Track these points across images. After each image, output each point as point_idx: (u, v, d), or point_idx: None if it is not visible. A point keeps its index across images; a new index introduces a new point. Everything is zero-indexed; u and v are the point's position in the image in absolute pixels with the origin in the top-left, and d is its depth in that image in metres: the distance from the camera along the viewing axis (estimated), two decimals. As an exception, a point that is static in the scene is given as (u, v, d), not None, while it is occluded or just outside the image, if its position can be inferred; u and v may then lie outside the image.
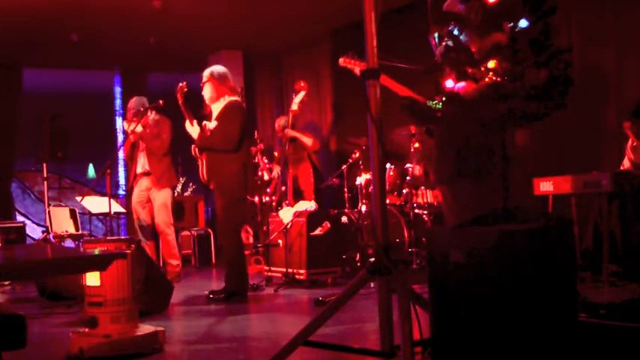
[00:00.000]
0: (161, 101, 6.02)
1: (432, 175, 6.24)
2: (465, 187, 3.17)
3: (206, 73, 5.46)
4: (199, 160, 5.42)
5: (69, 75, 10.19)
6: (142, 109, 6.40)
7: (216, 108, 5.40)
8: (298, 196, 7.20)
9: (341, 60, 5.43)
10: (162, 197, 6.58)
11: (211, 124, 5.34)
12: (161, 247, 6.74)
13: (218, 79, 5.38)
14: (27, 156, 9.25)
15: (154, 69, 10.16)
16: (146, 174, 6.59)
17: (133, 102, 6.65)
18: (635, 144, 5.32)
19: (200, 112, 5.59)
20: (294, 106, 6.97)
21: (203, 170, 5.38)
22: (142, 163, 6.63)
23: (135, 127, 6.36)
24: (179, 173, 8.53)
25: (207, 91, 5.42)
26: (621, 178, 4.64)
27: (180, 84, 5.55)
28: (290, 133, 7.15)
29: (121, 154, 10.02)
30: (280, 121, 7.68)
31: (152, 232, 6.76)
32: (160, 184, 6.56)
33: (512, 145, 3.17)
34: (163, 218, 6.57)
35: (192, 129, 5.47)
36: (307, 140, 7.29)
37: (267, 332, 4.05)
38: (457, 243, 2.21)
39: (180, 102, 5.54)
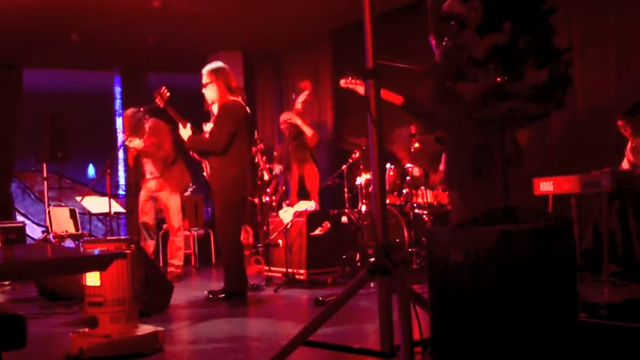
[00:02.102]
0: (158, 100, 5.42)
1: (433, 177, 6.25)
2: (475, 192, 3.16)
3: (207, 73, 5.27)
4: (203, 162, 5.40)
5: (69, 75, 10.18)
6: (137, 123, 6.24)
7: (215, 109, 5.33)
8: (304, 196, 7.19)
9: (342, 81, 5.42)
10: (174, 201, 6.67)
11: (207, 127, 5.30)
12: (168, 247, 6.79)
13: (220, 79, 5.23)
14: (27, 156, 9.23)
15: (154, 69, 10.15)
16: (155, 177, 6.64)
17: (129, 117, 6.50)
18: (633, 145, 5.32)
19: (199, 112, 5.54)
20: (298, 105, 6.97)
21: (207, 171, 5.37)
22: (149, 170, 6.67)
23: (135, 143, 6.40)
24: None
25: (209, 93, 5.28)
26: (621, 178, 4.64)
27: (160, 89, 5.32)
28: (294, 120, 7.14)
29: (121, 155, 10.05)
30: (284, 116, 7.61)
31: (156, 231, 6.80)
32: (173, 188, 6.64)
33: (512, 145, 3.16)
34: (177, 221, 6.68)
35: (185, 132, 5.31)
36: (308, 131, 7.21)
37: (267, 332, 4.05)
38: (457, 243, 2.21)
39: (162, 107, 5.35)
